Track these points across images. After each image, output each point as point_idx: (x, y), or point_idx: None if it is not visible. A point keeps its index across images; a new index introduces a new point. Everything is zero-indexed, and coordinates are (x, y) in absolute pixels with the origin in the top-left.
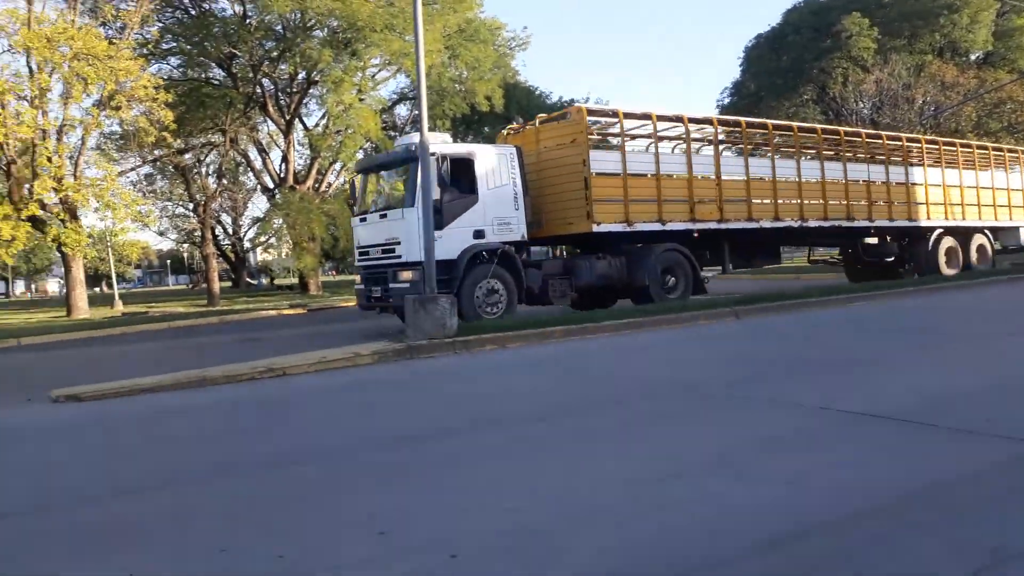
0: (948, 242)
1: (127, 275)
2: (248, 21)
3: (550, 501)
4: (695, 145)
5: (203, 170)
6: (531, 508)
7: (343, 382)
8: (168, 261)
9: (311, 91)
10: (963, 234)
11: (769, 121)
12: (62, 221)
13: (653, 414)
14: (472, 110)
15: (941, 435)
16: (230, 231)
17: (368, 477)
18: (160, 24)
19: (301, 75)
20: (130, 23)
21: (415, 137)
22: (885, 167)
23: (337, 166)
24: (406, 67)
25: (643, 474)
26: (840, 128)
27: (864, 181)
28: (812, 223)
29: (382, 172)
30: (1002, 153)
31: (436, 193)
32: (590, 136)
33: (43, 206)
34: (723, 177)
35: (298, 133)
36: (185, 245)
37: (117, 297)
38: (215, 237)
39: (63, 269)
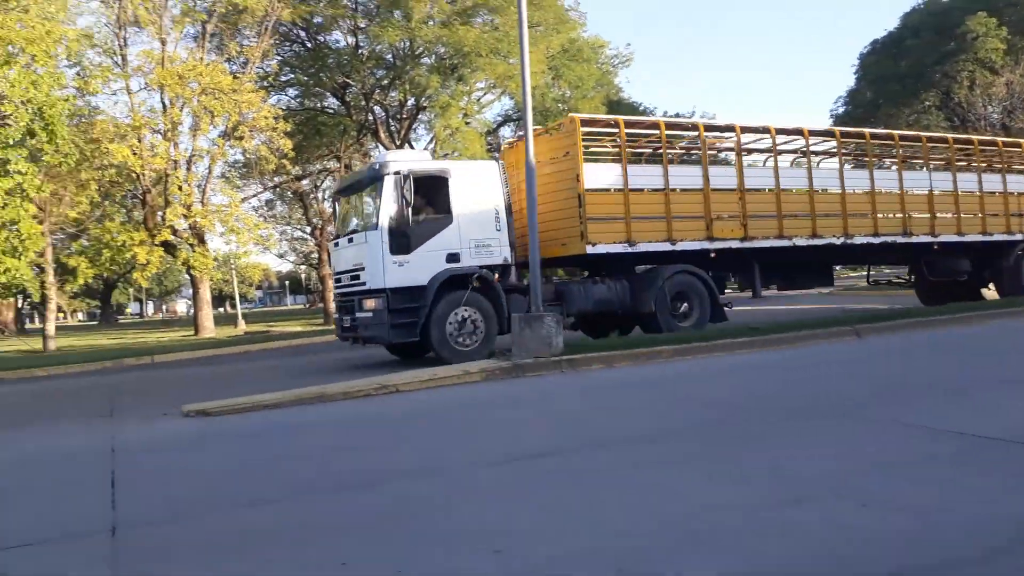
0: None
1: (249, 296)
2: (360, 51)
3: (666, 523)
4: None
5: (319, 195)
6: (646, 530)
7: (453, 399)
8: (287, 282)
9: (420, 116)
10: None
11: (805, 127)
12: (191, 245)
13: (768, 436)
14: None
15: None
16: None
17: (480, 494)
18: (279, 57)
19: (410, 101)
20: (252, 58)
21: (391, 155)
22: (952, 174)
23: None
24: (510, 89)
25: (761, 498)
26: (894, 132)
27: (929, 191)
28: (859, 239)
29: (355, 193)
30: None
31: (400, 214)
32: (585, 148)
33: (174, 232)
34: (747, 188)
35: None
36: (303, 267)
37: (240, 317)
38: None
39: (191, 291)
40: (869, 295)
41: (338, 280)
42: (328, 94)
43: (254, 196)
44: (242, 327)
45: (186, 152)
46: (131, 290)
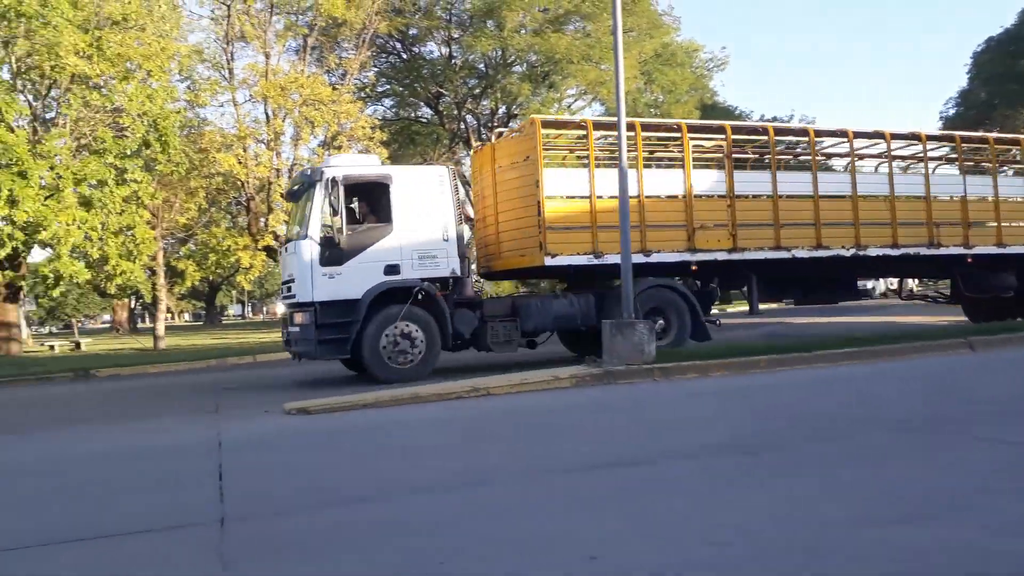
0: None
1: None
2: (453, 61)
3: (764, 537)
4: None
5: None
6: (743, 542)
7: (542, 403)
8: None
9: (511, 124)
10: None
11: (810, 127)
12: None
13: (870, 450)
14: None
15: None
16: None
17: (572, 500)
18: (376, 69)
19: (502, 110)
20: (350, 70)
21: (335, 160)
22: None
23: None
24: (601, 95)
25: (866, 514)
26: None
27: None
28: (873, 251)
29: (297, 200)
30: None
31: (333, 223)
32: (545, 152)
33: (276, 237)
34: (737, 194)
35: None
36: None
37: None
38: None
39: None
40: (903, 307)
41: (283, 288)
42: (422, 104)
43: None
44: None
45: (288, 161)
46: (234, 292)
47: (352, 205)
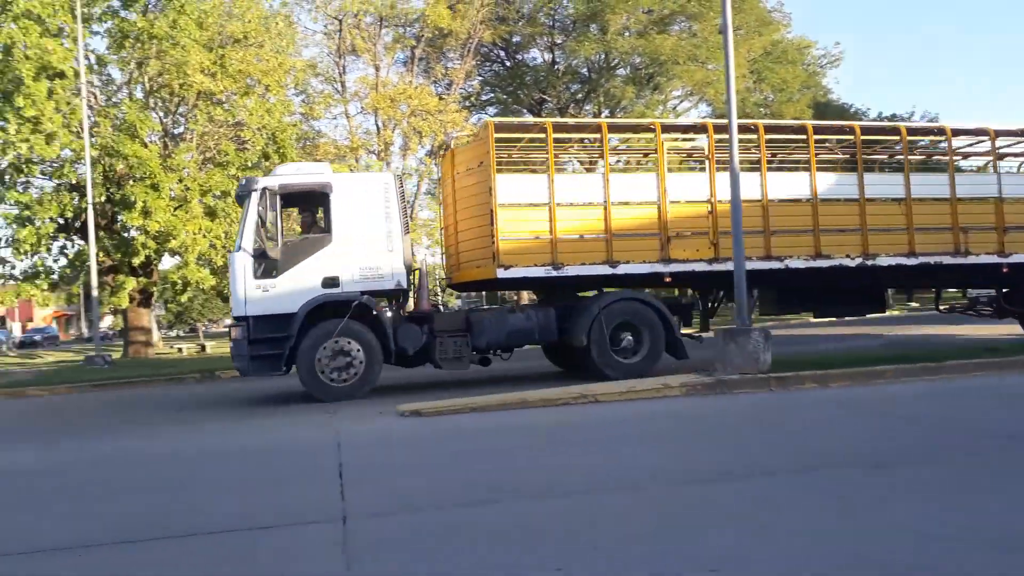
0: None
1: (449, 304)
2: (556, 67)
3: (901, 554)
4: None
5: None
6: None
7: (651, 412)
8: (483, 292)
9: None
10: None
11: (808, 122)
12: None
13: (1012, 466)
14: None
15: None
16: None
17: (686, 510)
18: (480, 78)
19: (605, 113)
20: (456, 79)
21: (280, 168)
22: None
23: None
24: (708, 96)
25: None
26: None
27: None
28: (883, 261)
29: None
30: None
31: (266, 234)
32: (499, 157)
33: None
34: (719, 199)
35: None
36: None
37: None
38: None
39: None
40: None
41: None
42: (525, 111)
43: None
44: None
45: (397, 171)
46: None
47: (296, 215)
